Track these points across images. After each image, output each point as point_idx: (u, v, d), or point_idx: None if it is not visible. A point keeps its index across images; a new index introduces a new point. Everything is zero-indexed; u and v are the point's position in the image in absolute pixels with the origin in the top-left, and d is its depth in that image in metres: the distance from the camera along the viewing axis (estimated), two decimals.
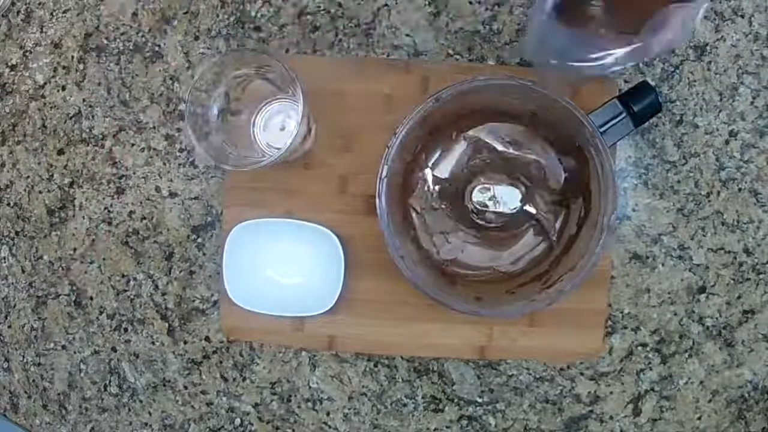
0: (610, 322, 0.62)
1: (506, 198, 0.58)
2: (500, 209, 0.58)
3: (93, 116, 0.65)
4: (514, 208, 0.58)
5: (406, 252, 0.54)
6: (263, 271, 0.62)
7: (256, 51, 0.51)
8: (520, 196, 0.58)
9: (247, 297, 0.60)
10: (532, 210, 0.59)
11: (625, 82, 0.61)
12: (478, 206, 0.58)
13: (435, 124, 0.57)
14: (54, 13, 0.66)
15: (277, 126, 0.59)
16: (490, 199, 0.58)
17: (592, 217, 0.55)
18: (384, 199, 0.52)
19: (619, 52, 0.47)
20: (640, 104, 0.53)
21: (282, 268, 0.62)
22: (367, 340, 0.62)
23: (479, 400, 0.62)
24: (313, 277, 0.61)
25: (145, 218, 0.65)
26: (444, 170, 0.60)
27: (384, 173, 0.52)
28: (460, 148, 0.60)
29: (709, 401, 0.62)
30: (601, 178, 0.53)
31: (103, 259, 0.65)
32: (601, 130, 0.52)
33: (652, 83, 0.61)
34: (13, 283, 0.66)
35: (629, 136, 0.61)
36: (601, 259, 0.52)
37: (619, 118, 0.54)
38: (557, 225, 0.59)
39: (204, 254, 0.64)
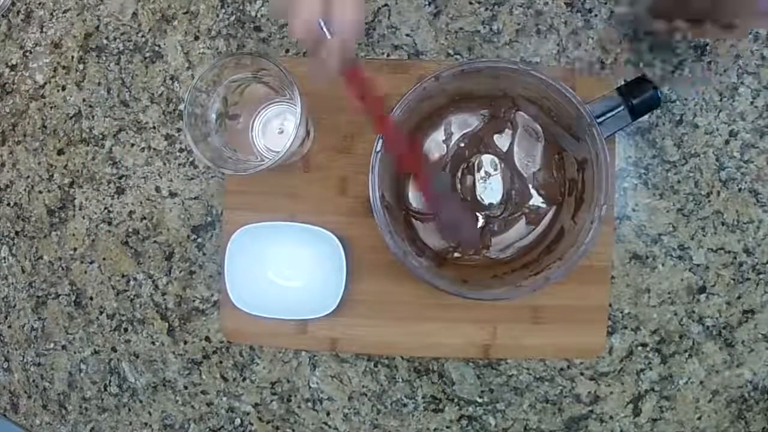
0: (610, 322, 0.62)
1: (492, 187, 0.58)
2: (478, 188, 0.58)
3: (93, 116, 0.65)
4: (485, 200, 0.58)
5: (395, 228, 0.54)
6: (265, 275, 0.62)
7: (253, 55, 0.51)
8: (499, 198, 0.58)
9: (250, 301, 0.60)
10: (481, 216, 0.59)
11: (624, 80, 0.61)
12: (474, 167, 0.58)
13: (429, 110, 0.57)
14: (54, 13, 0.66)
15: (275, 129, 0.59)
16: (485, 172, 0.58)
17: (586, 208, 0.55)
18: (377, 173, 0.52)
19: None
20: (639, 98, 0.53)
21: (284, 271, 0.62)
22: (371, 341, 0.62)
23: (479, 400, 0.62)
24: (316, 280, 0.61)
25: (145, 218, 0.65)
26: (434, 151, 0.60)
27: (379, 147, 0.52)
28: (441, 134, 0.60)
29: (709, 401, 0.62)
30: (595, 169, 0.53)
31: (103, 259, 0.65)
32: (599, 120, 0.52)
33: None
34: (13, 283, 0.66)
35: (629, 135, 0.61)
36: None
37: (617, 110, 0.54)
38: (548, 217, 0.59)
39: (204, 254, 0.64)
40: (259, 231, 0.60)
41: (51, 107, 0.65)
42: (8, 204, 0.66)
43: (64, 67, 0.65)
